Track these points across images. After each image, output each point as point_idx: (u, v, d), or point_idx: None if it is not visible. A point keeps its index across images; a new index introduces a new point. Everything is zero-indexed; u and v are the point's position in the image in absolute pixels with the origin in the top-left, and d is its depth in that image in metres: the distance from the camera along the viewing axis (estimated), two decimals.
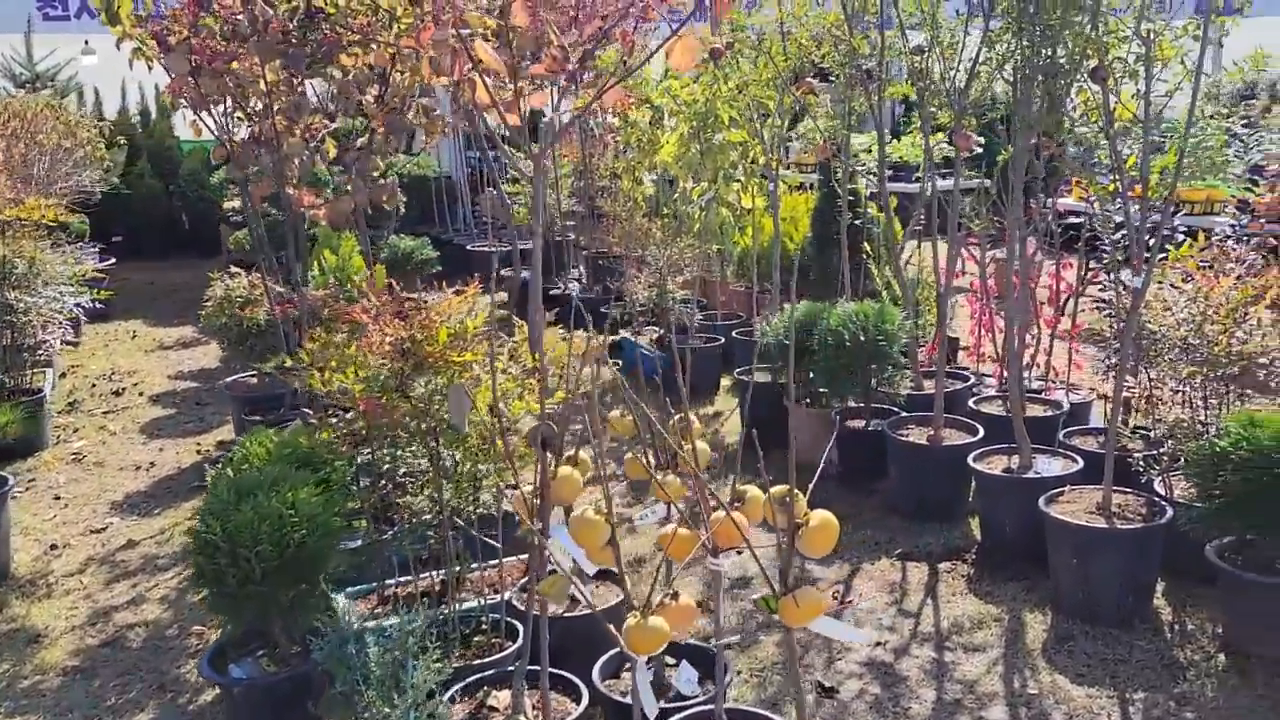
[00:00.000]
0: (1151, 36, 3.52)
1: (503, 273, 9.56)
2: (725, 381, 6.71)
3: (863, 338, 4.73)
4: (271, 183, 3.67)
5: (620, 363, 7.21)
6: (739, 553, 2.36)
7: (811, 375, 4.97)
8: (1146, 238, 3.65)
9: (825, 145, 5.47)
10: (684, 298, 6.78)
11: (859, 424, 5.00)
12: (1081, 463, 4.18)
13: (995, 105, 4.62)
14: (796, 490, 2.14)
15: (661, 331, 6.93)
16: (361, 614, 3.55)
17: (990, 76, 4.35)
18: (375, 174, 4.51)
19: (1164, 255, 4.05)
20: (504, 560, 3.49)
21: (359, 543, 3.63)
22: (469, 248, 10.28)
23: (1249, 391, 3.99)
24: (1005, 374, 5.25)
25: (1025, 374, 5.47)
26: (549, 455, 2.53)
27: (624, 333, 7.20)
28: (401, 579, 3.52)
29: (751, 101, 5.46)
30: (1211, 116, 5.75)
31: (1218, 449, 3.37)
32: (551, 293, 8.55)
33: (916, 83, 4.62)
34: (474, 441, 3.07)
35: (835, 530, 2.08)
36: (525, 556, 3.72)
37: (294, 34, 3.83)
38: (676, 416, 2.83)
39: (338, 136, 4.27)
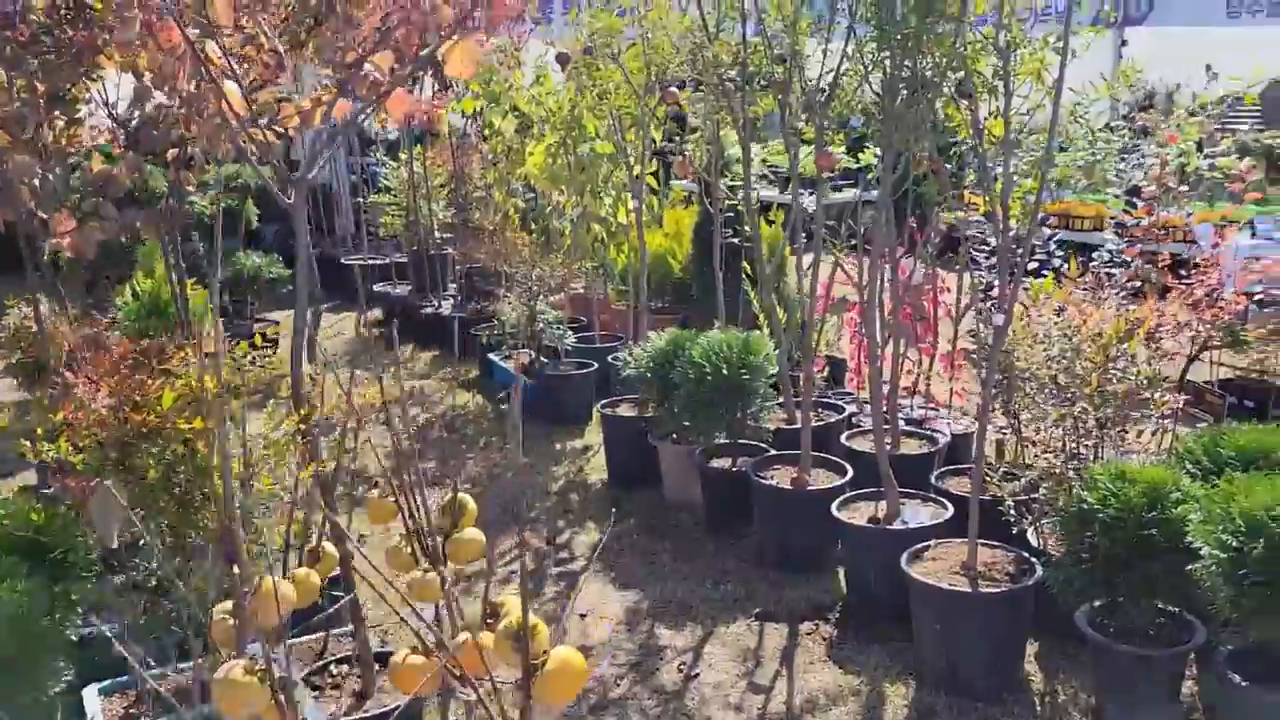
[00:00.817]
0: (1010, 48, 3.17)
1: (376, 289, 8.99)
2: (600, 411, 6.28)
3: (725, 371, 4.33)
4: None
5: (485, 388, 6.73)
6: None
7: (676, 411, 4.56)
8: (1009, 267, 3.32)
9: (685, 161, 5.06)
10: (556, 318, 6.33)
11: (725, 463, 4.60)
12: (952, 510, 3.84)
13: (866, 120, 4.26)
14: (536, 621, 1.68)
15: (533, 355, 6.46)
16: (115, 714, 3.03)
17: (855, 89, 4.00)
18: (191, 188, 3.98)
19: (1026, 285, 3.73)
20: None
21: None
22: (342, 261, 9.66)
23: (1129, 426, 3.69)
24: (885, 404, 4.94)
25: (906, 402, 5.16)
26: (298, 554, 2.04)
27: (494, 356, 6.71)
28: (161, 670, 2.99)
29: (614, 111, 5.05)
30: (1107, 126, 5.54)
31: (1084, 505, 3.04)
32: (424, 311, 8.02)
33: (777, 95, 4.24)
34: (213, 525, 2.56)
35: (578, 674, 1.63)
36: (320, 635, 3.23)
37: (60, 29, 3.28)
38: (447, 498, 2.36)
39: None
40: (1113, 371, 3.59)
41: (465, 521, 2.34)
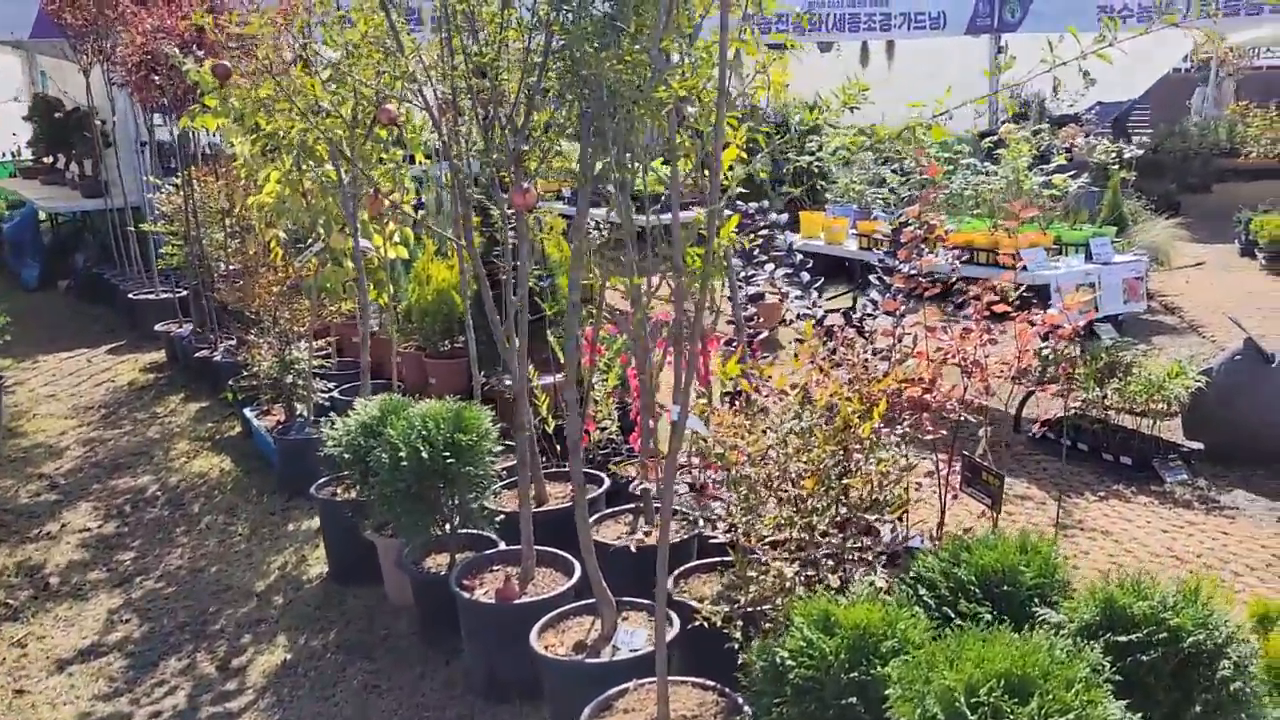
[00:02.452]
0: (673, 58, 2.44)
1: (159, 328, 7.96)
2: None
3: (425, 455, 3.52)
4: None
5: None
6: None
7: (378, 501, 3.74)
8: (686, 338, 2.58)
9: (376, 198, 4.25)
10: (305, 369, 5.46)
11: (442, 561, 3.80)
12: (679, 626, 3.10)
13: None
14: None
15: (294, 411, 5.58)
16: None
17: (554, 111, 3.25)
18: None
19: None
20: None
21: None
22: (130, 296, 8.64)
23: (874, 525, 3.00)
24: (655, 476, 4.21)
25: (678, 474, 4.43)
26: None
27: (250, 413, 5.81)
28: None
29: (324, 132, 4.24)
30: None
31: (777, 658, 2.32)
32: (197, 355, 7.07)
33: (479, 113, 3.46)
34: None
35: None
36: None
37: None
38: None
39: None
40: (855, 457, 2.91)
41: None
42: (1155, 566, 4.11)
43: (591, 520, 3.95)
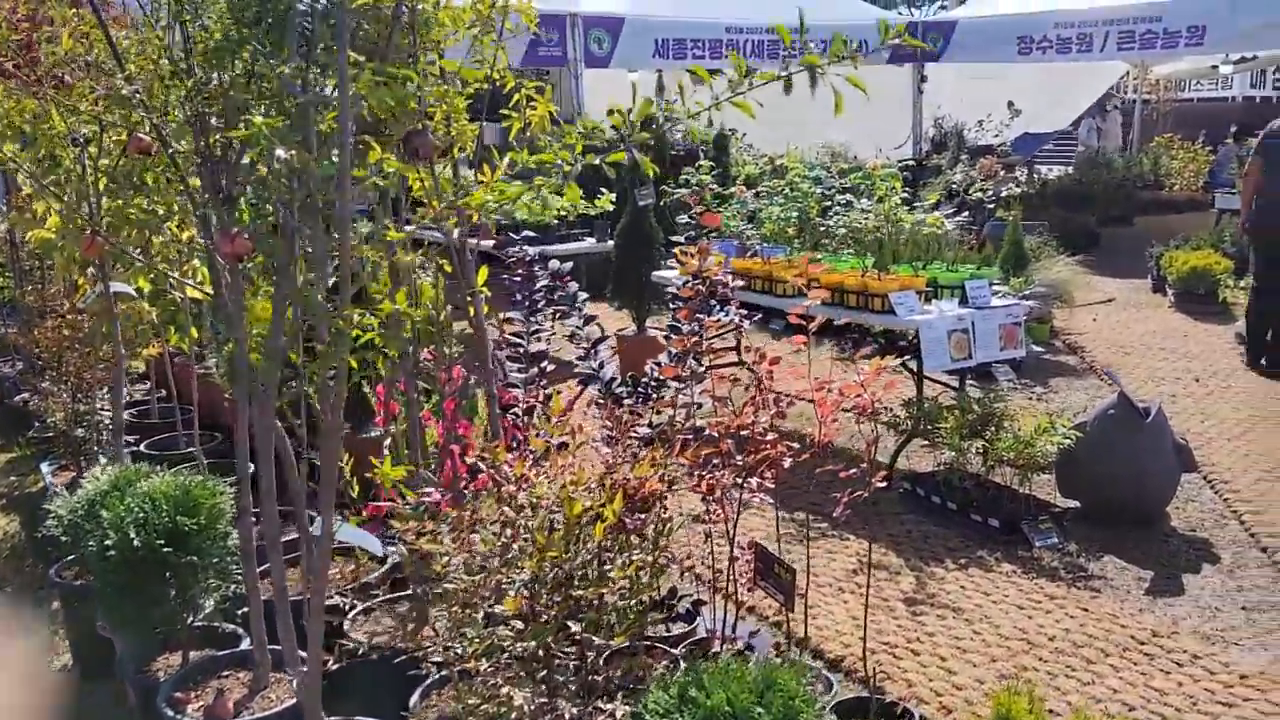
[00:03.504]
0: (305, 87, 1.97)
1: None
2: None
3: (136, 544, 3.00)
4: None
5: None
6: None
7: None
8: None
9: (93, 241, 3.73)
10: (96, 421, 4.89)
11: (175, 662, 3.26)
12: None
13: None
14: None
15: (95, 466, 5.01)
16: None
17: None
18: None
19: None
20: None
21: None
22: None
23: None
24: None
25: None
26: None
27: (46, 468, 5.21)
28: None
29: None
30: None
31: None
32: (17, 400, 6.45)
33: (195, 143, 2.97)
34: None
35: None
36: None
37: None
38: None
39: None
40: (608, 562, 2.45)
41: None
42: (1003, 651, 3.69)
43: (359, 609, 3.45)
